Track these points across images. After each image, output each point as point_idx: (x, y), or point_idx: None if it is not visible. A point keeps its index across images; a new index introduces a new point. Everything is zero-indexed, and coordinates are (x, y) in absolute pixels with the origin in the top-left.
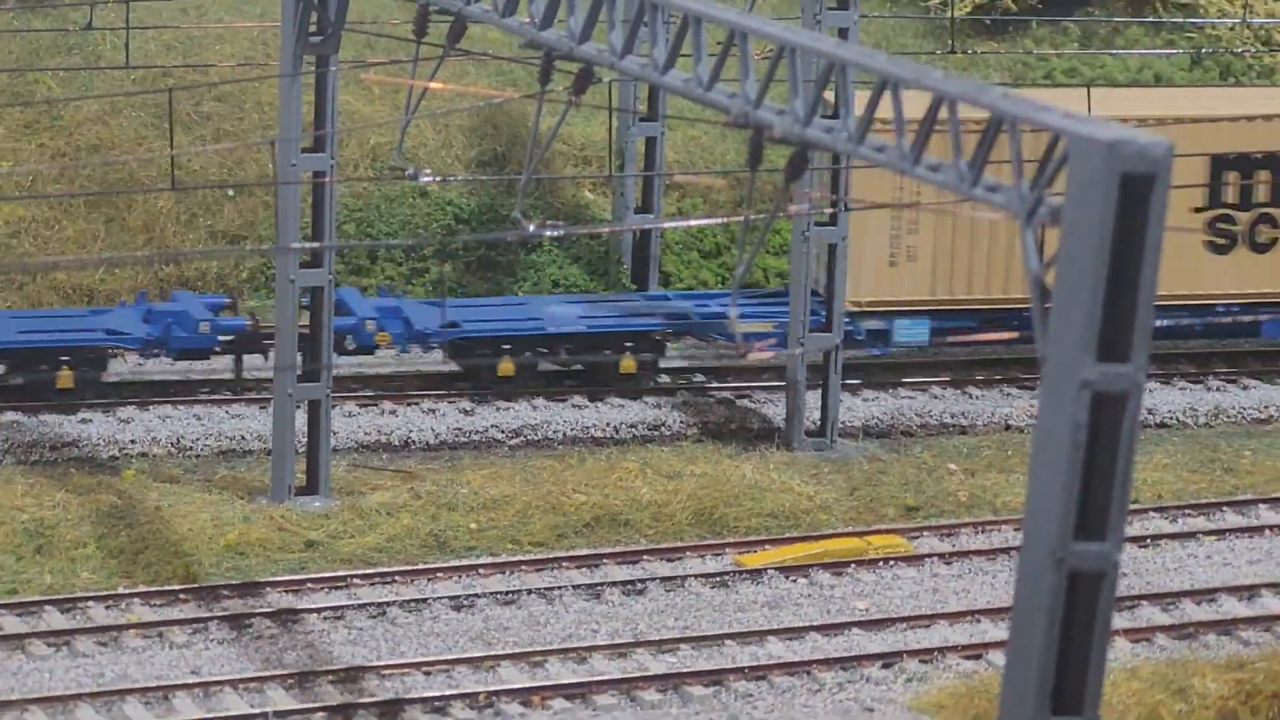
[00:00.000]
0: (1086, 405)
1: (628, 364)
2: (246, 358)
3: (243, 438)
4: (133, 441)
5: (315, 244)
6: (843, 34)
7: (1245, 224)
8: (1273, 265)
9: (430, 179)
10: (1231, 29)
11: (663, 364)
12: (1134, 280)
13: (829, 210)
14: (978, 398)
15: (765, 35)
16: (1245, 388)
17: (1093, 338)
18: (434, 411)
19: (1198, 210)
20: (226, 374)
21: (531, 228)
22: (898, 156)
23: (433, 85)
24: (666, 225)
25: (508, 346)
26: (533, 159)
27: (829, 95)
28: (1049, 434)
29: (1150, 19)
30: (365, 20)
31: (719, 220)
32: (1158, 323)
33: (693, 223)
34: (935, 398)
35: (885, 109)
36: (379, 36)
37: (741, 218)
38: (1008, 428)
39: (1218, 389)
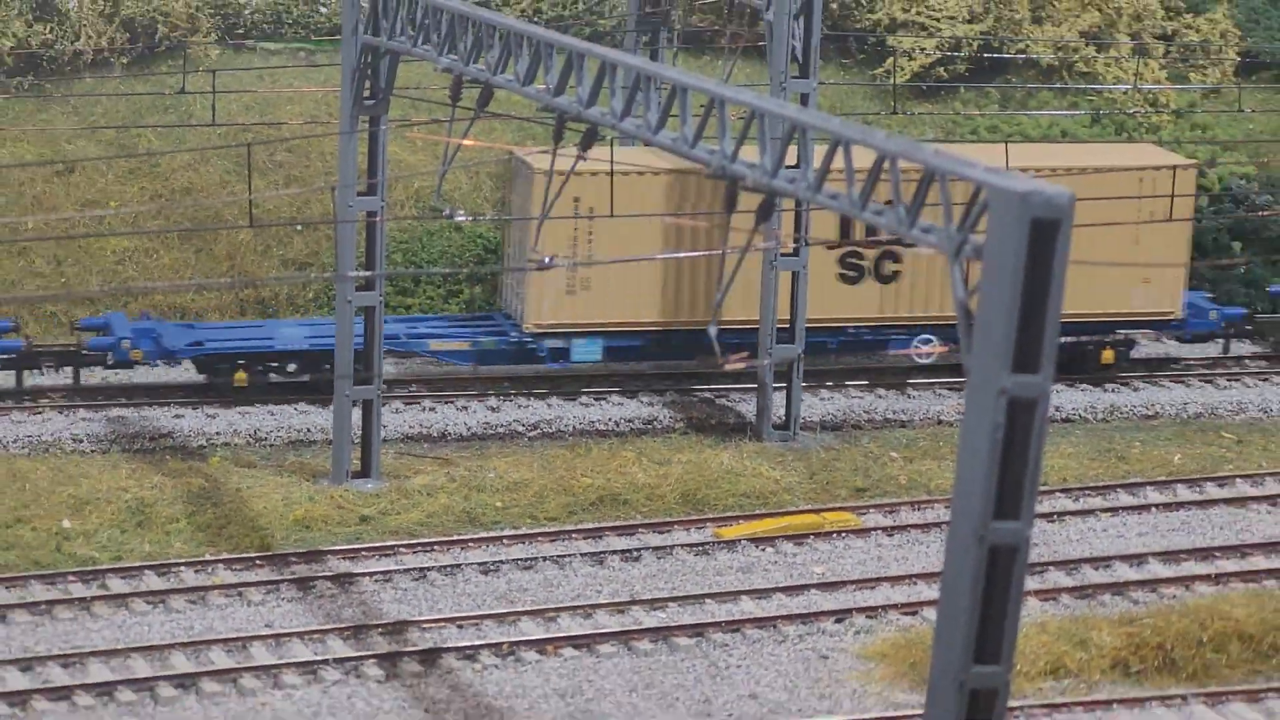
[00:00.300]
0: (1004, 409)
1: None
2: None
3: (308, 430)
4: (217, 433)
5: (368, 273)
6: (804, 99)
7: (871, 259)
8: (896, 294)
9: (464, 217)
10: (1124, 93)
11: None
12: (1042, 306)
13: (793, 245)
14: (915, 397)
15: (739, 102)
16: (1136, 390)
17: (1008, 353)
18: (466, 409)
19: (831, 248)
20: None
21: (547, 259)
22: (848, 203)
23: (466, 141)
24: (659, 257)
25: (242, 361)
26: (549, 202)
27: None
28: (973, 432)
29: (1058, 85)
30: (410, 87)
31: (701, 254)
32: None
33: (680, 255)
34: (880, 397)
35: (838, 163)
36: (421, 100)
37: (720, 252)
38: (939, 422)
39: (1112, 390)
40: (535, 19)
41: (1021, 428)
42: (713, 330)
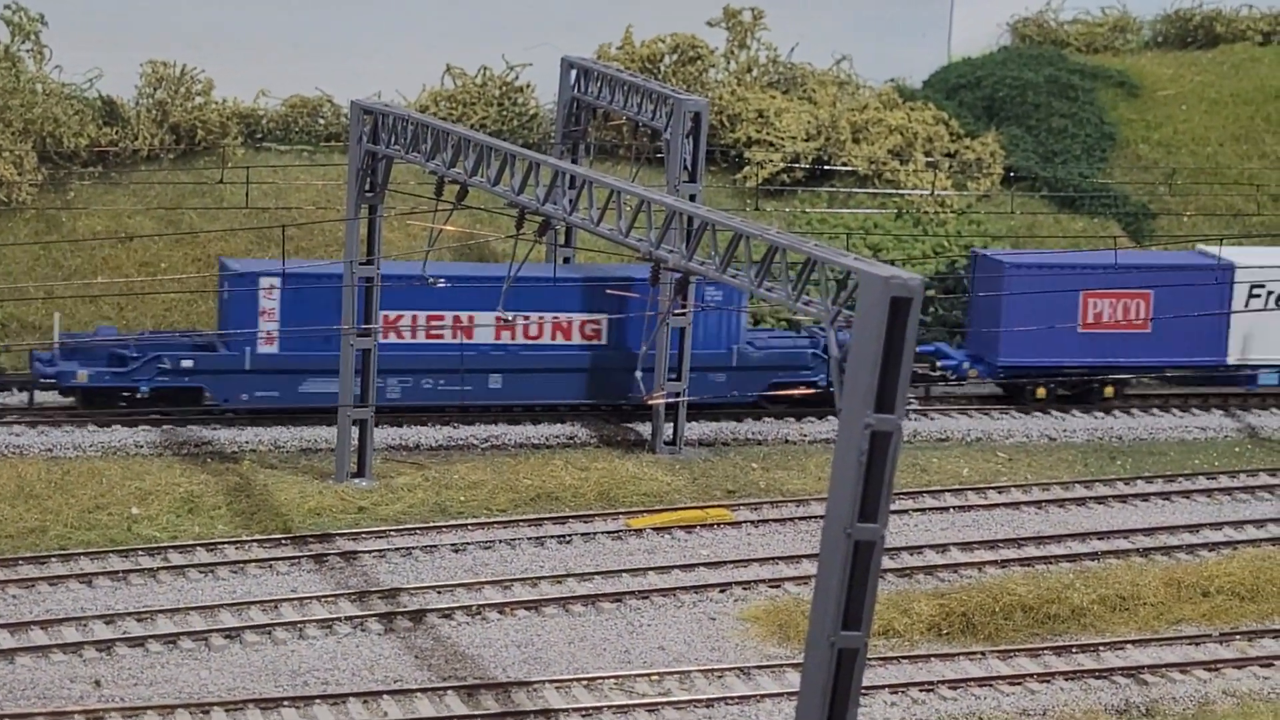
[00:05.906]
0: (867, 439)
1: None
2: None
3: (316, 440)
4: (247, 442)
5: (366, 325)
6: (692, 197)
7: None
8: None
9: (445, 283)
10: (921, 196)
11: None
12: (898, 362)
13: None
14: (769, 423)
15: (661, 203)
16: (932, 419)
17: (872, 397)
18: (434, 426)
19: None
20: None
21: (511, 317)
22: (748, 281)
23: (447, 228)
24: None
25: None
26: (510, 274)
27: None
28: (843, 455)
29: (871, 189)
30: (401, 183)
31: (633, 315)
32: None
33: (616, 316)
34: (741, 422)
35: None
36: (410, 195)
37: (648, 314)
38: (787, 442)
39: (914, 419)
40: (479, 132)
41: (880, 453)
42: (639, 374)
